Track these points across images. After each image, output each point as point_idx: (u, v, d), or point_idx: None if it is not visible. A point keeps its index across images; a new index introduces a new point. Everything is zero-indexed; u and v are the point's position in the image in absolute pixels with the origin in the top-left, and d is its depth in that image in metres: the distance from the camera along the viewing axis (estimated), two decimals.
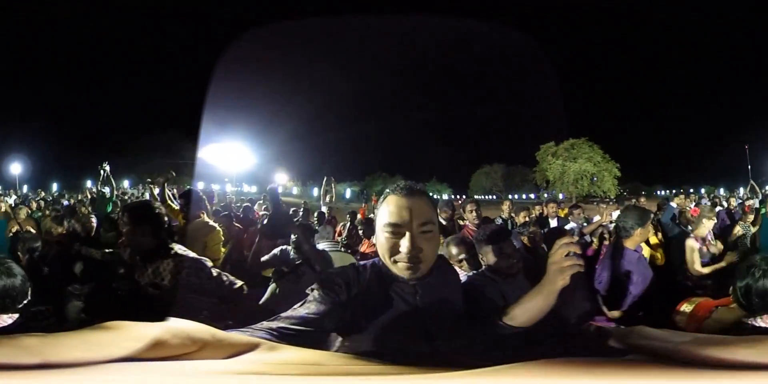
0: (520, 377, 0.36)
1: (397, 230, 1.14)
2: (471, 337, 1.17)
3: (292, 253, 3.25)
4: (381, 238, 1.18)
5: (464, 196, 42.96)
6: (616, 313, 2.69)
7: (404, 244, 1.12)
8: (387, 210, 1.17)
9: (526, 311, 1.13)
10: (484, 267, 2.32)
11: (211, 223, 3.86)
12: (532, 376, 0.36)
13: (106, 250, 3.36)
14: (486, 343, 1.17)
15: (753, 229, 5.02)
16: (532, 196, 44.37)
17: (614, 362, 0.38)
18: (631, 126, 50.06)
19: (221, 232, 3.84)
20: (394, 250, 1.15)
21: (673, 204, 5.11)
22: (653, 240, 4.81)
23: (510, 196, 42.49)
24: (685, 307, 2.11)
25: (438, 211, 2.94)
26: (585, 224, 4.88)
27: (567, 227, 5.11)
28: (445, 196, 42.19)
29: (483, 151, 49.45)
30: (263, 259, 3.37)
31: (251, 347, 0.46)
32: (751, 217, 5.39)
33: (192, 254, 2.24)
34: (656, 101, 49.47)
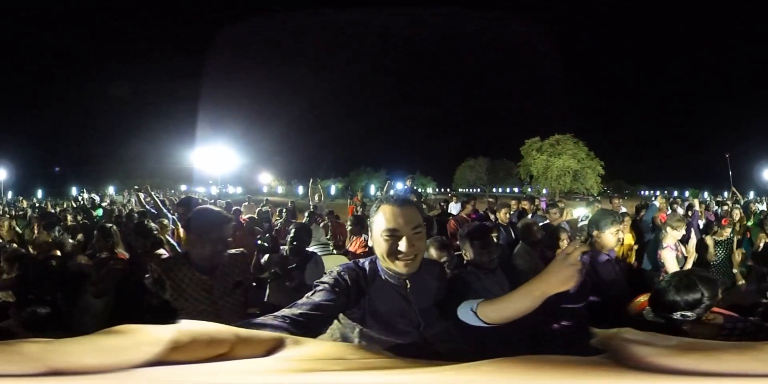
0: (508, 373, 0.37)
1: (394, 234, 1.36)
2: (449, 326, 1.39)
3: (286, 253, 3.36)
4: (380, 241, 1.39)
5: (448, 190, 43.20)
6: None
7: (402, 244, 1.36)
8: (383, 218, 1.38)
9: (506, 310, 1.22)
10: (465, 262, 2.50)
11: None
12: (517, 371, 0.37)
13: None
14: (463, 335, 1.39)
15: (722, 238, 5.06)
16: (516, 190, 44.74)
17: (593, 361, 0.38)
18: (619, 124, 50.77)
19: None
20: (394, 251, 1.36)
21: (656, 203, 4.93)
22: (627, 240, 4.84)
23: (494, 190, 42.86)
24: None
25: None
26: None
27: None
28: (429, 190, 42.27)
29: (468, 144, 49.84)
30: (262, 261, 3.48)
31: (278, 344, 0.45)
32: (728, 231, 5.25)
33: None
34: (645, 101, 50.15)
